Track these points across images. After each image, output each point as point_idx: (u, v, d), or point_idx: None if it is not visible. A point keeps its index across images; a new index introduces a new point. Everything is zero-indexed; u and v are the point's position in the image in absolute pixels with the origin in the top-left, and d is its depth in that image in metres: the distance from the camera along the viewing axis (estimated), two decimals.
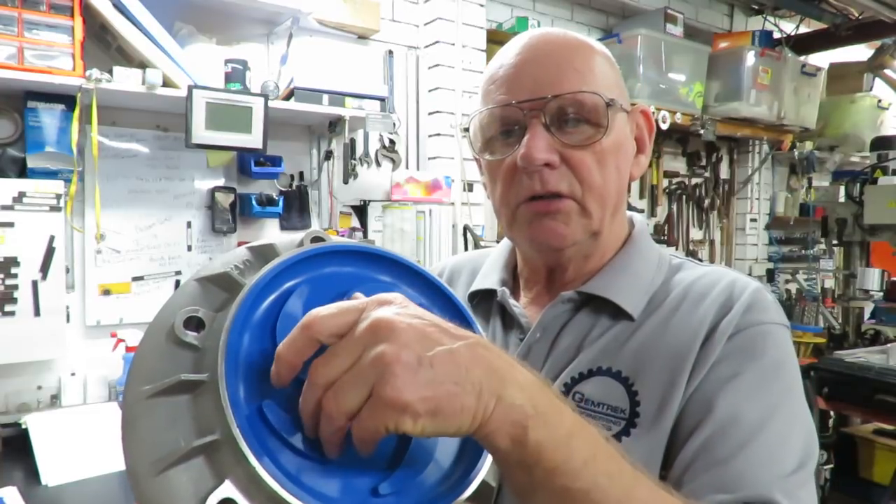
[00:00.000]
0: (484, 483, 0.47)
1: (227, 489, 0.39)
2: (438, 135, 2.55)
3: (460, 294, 0.82)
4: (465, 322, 0.54)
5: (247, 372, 0.43)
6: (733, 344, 0.63)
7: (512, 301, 0.76)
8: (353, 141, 2.38)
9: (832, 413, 2.65)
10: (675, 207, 3.73)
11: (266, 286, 0.47)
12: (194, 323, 0.46)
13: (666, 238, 3.65)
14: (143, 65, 1.86)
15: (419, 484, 0.45)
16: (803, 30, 3.69)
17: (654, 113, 2.86)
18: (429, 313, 0.43)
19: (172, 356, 0.44)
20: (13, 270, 1.76)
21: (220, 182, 2.21)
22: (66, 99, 1.82)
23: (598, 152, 0.66)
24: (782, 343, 0.64)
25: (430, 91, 2.59)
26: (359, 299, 0.43)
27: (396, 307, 0.42)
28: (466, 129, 0.73)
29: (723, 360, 0.62)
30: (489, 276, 0.80)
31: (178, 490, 0.40)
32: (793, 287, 4.03)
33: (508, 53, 0.69)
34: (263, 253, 0.52)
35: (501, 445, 0.42)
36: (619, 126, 0.68)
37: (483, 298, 0.80)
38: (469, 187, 2.55)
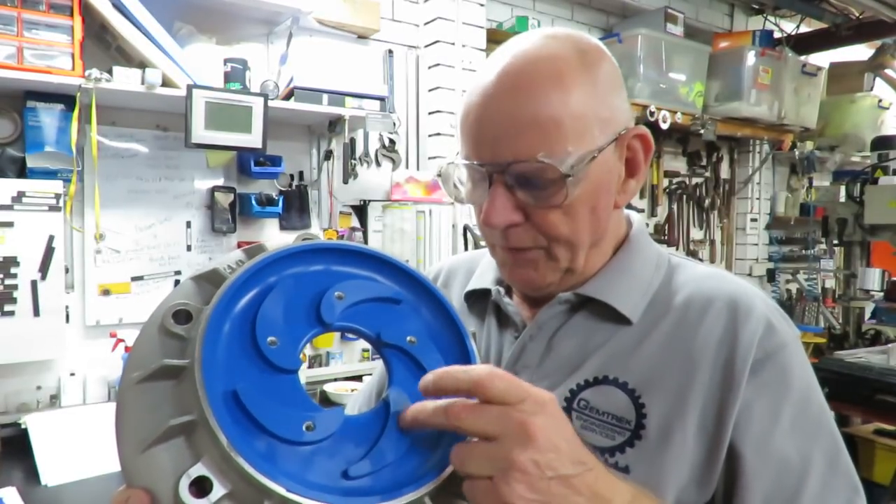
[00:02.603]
0: (455, 474, 0.48)
1: (202, 467, 0.42)
2: (438, 134, 2.55)
3: (456, 294, 0.83)
4: (445, 312, 0.57)
5: (226, 358, 0.46)
6: (764, 376, 0.62)
7: (506, 300, 0.76)
8: (352, 141, 2.38)
9: (832, 413, 2.65)
10: (675, 207, 3.72)
11: (248, 279, 0.49)
12: (183, 315, 0.48)
13: (666, 238, 3.65)
14: (142, 64, 1.86)
15: (390, 469, 0.46)
16: (804, 29, 3.68)
17: (654, 113, 2.89)
18: (569, 427, 0.49)
19: (162, 346, 0.47)
20: (13, 270, 1.76)
21: (220, 182, 2.21)
22: (65, 99, 1.82)
23: (566, 206, 0.64)
24: (802, 360, 0.65)
25: (430, 90, 2.59)
26: (529, 385, 0.48)
27: (551, 416, 0.47)
28: (439, 175, 0.73)
29: (758, 398, 0.62)
30: (484, 276, 0.81)
31: (158, 468, 0.42)
32: (793, 287, 4.03)
33: (478, 88, 0.65)
34: (253, 252, 0.54)
35: None
36: (595, 168, 0.64)
37: (478, 298, 0.80)
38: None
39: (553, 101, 0.61)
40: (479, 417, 0.45)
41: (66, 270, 1.92)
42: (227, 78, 2.02)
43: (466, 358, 0.54)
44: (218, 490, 0.41)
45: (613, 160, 0.66)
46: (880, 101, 3.87)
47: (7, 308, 1.75)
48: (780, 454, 0.60)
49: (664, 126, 2.94)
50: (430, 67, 2.58)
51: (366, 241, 2.42)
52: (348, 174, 2.36)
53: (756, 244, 3.98)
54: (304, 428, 0.45)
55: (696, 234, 3.84)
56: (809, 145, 3.80)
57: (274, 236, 2.32)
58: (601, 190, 0.66)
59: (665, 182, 3.66)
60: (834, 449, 0.63)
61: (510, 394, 0.46)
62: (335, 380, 2.33)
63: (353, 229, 2.43)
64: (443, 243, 2.47)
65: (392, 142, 2.56)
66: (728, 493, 0.61)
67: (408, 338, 0.53)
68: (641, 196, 3.58)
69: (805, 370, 0.65)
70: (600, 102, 0.64)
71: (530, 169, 0.62)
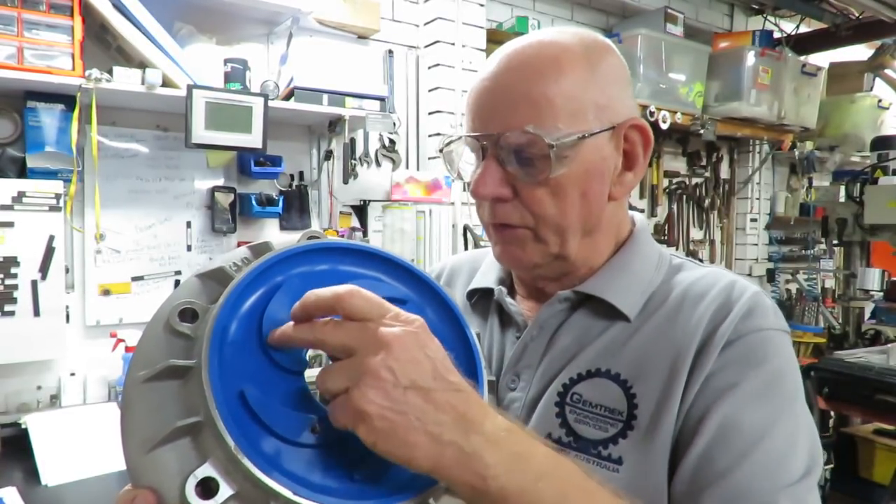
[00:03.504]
0: None
1: (208, 468, 0.42)
2: (438, 134, 2.55)
3: (459, 292, 0.83)
4: (450, 313, 0.57)
5: (232, 358, 0.46)
6: (732, 352, 0.62)
7: (509, 299, 0.76)
8: (353, 141, 2.38)
9: (832, 413, 2.65)
10: (675, 207, 3.73)
11: (255, 279, 0.49)
12: (189, 314, 0.48)
13: (666, 238, 3.65)
14: (142, 64, 1.86)
15: (395, 470, 0.46)
16: (803, 30, 3.68)
17: (654, 113, 2.89)
18: (438, 349, 0.47)
19: (168, 344, 0.47)
20: (13, 270, 1.76)
21: (220, 182, 2.21)
22: (65, 99, 1.82)
23: (554, 185, 0.64)
24: (783, 350, 0.64)
25: (430, 91, 2.59)
26: (392, 305, 0.47)
27: (412, 331, 0.45)
28: (441, 150, 0.75)
29: (721, 370, 0.61)
30: (487, 275, 0.81)
31: (164, 468, 0.42)
32: (793, 287, 4.04)
33: (483, 71, 0.68)
34: (259, 250, 0.54)
35: (462, 491, 0.45)
36: (587, 152, 0.64)
37: (481, 297, 0.81)
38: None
39: (548, 80, 0.63)
40: (338, 331, 0.45)
41: (67, 270, 1.92)
42: (228, 78, 2.02)
43: (471, 359, 0.54)
44: (224, 491, 0.41)
45: (609, 148, 0.67)
46: (880, 101, 3.87)
47: (7, 308, 1.75)
48: (732, 418, 0.59)
49: (664, 126, 2.94)
50: (430, 68, 2.58)
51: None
52: (348, 174, 2.36)
53: (756, 244, 3.99)
54: (310, 430, 0.45)
55: (696, 234, 3.84)
56: (809, 145, 3.80)
57: (274, 236, 2.32)
58: (593, 176, 0.66)
59: (665, 182, 3.67)
60: (796, 431, 0.61)
61: (369, 310, 0.45)
62: None
63: (353, 229, 2.43)
64: (443, 243, 2.47)
65: (392, 142, 2.56)
66: (676, 451, 0.61)
67: None
68: (641, 196, 3.58)
69: (781, 358, 0.63)
70: (598, 90, 0.65)
71: (519, 140, 0.63)
